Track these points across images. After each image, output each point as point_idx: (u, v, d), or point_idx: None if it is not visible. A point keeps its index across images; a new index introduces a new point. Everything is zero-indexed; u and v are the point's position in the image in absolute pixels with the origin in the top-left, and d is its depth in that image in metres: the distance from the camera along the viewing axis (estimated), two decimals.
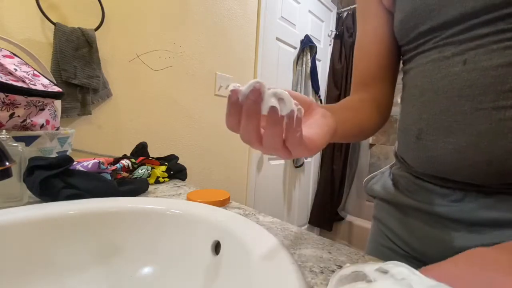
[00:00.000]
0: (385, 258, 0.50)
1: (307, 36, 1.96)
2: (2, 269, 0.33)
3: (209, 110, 1.41)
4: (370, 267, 0.18)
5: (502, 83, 0.31)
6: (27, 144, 0.51)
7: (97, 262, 0.38)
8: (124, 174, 0.60)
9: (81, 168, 0.50)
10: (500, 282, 0.18)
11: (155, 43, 1.14)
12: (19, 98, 0.51)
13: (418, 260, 0.47)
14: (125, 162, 0.61)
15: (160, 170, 0.66)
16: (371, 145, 2.43)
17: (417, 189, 0.46)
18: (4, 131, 0.45)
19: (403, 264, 0.18)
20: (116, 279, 0.38)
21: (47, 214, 0.37)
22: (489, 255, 0.22)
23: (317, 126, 0.28)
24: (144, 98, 1.14)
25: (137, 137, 1.13)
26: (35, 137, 0.53)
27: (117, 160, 0.61)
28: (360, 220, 2.39)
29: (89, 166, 0.51)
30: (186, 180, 0.71)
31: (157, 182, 0.64)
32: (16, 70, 0.54)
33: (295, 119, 0.21)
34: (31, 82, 0.54)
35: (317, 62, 2.17)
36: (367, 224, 2.25)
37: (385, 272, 0.18)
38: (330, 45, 2.33)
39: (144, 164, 0.65)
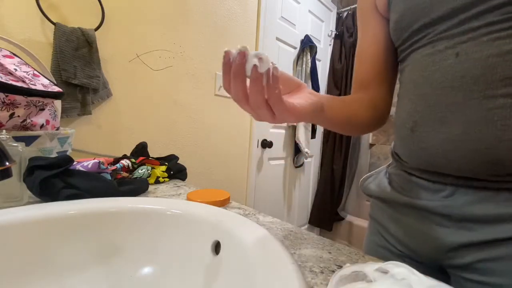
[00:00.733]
0: (380, 257, 0.51)
1: (307, 36, 1.96)
2: (2, 269, 0.32)
3: (209, 110, 1.41)
4: (370, 267, 0.18)
5: (492, 73, 0.32)
6: (27, 144, 0.51)
7: (97, 262, 0.38)
8: (124, 174, 0.60)
9: (81, 168, 0.50)
10: None
11: (155, 43, 1.14)
12: (19, 98, 0.51)
13: (412, 259, 0.47)
14: (125, 162, 0.61)
15: (160, 170, 0.66)
16: (371, 145, 2.43)
17: (411, 186, 0.47)
18: (4, 131, 0.45)
19: (403, 264, 0.18)
20: (116, 279, 0.38)
21: (47, 214, 0.37)
22: None
23: (302, 98, 0.32)
24: (144, 98, 1.14)
25: (137, 137, 1.13)
26: (35, 137, 0.53)
27: (117, 160, 0.61)
28: (360, 220, 2.39)
29: (89, 166, 0.51)
30: (186, 180, 0.71)
31: (157, 182, 0.64)
32: (16, 70, 0.54)
33: (271, 74, 0.25)
34: (31, 82, 0.54)
35: (317, 62, 2.17)
36: (367, 224, 2.24)
37: (385, 272, 0.18)
38: (330, 45, 2.33)
39: (144, 164, 0.65)
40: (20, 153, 0.43)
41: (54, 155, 0.56)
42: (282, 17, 1.79)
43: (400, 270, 0.18)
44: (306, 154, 1.99)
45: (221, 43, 1.43)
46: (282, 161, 1.98)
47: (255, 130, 1.68)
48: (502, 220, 0.36)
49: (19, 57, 0.59)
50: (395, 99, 0.53)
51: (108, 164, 0.58)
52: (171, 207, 0.42)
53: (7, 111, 0.50)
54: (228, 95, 1.64)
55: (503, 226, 0.36)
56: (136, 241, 0.40)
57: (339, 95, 2.26)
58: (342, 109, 0.45)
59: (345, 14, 2.31)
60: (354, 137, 2.42)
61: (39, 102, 0.54)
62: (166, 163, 0.69)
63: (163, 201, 0.44)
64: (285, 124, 1.96)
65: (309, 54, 1.96)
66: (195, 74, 1.32)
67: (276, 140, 1.87)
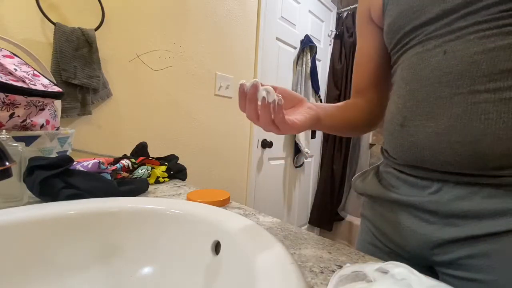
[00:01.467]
0: (370, 255, 0.51)
1: (307, 36, 1.96)
2: (2, 269, 0.33)
3: (209, 110, 1.41)
4: (370, 267, 0.19)
5: (477, 69, 0.34)
6: (27, 144, 0.51)
7: (97, 262, 0.38)
8: (124, 174, 0.60)
9: (81, 168, 0.50)
10: None
11: (155, 43, 1.14)
12: (19, 98, 0.51)
13: (401, 256, 0.48)
14: (125, 162, 0.61)
15: (160, 170, 0.66)
16: (371, 145, 2.43)
17: (399, 183, 0.48)
18: (4, 131, 0.45)
19: (403, 264, 0.18)
20: (116, 279, 0.38)
21: (47, 214, 0.37)
22: None
23: (301, 113, 0.40)
24: (144, 98, 1.14)
25: (137, 137, 1.13)
26: (35, 137, 0.53)
27: (117, 160, 0.61)
28: (360, 220, 2.39)
29: (89, 166, 0.51)
30: (186, 180, 0.71)
31: (157, 182, 0.64)
32: (16, 70, 0.54)
33: (276, 104, 0.33)
34: (31, 82, 0.54)
35: (317, 62, 2.17)
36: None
37: (385, 272, 0.18)
38: (330, 45, 2.33)
39: (144, 164, 0.65)
40: (20, 153, 0.43)
41: (54, 155, 0.56)
42: (282, 17, 1.79)
43: (400, 270, 0.18)
44: (306, 154, 1.99)
45: (221, 43, 1.43)
46: (282, 161, 1.98)
47: (255, 130, 1.68)
48: (486, 216, 0.36)
49: (19, 57, 0.59)
50: None
51: (108, 164, 0.58)
52: (171, 207, 0.42)
53: (7, 111, 0.50)
54: (228, 95, 1.63)
55: (487, 222, 0.36)
56: (136, 241, 0.40)
57: (339, 95, 2.26)
58: (339, 115, 0.52)
59: (345, 14, 2.30)
60: (354, 138, 2.43)
61: (39, 102, 0.54)
62: (166, 163, 0.69)
63: (163, 201, 0.44)
64: None
65: (309, 54, 1.96)
66: (195, 74, 1.32)
67: (276, 140, 1.87)
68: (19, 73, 0.54)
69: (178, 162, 0.74)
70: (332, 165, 2.31)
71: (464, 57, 0.35)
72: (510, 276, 0.35)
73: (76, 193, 0.43)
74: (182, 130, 1.30)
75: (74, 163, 0.50)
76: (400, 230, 0.47)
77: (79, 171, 0.48)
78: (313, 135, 2.12)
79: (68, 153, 0.61)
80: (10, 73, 0.53)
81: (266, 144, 1.76)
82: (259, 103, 0.34)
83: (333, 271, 0.30)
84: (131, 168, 0.61)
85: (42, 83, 0.57)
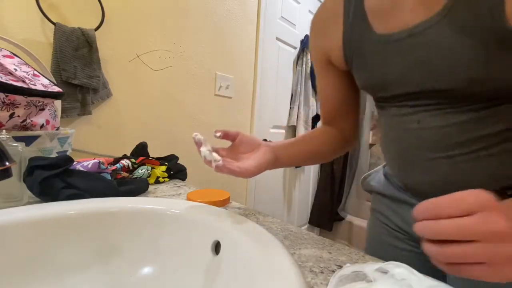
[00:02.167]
0: (383, 239, 0.57)
1: (307, 36, 1.96)
2: (2, 269, 0.33)
3: (209, 110, 1.41)
4: (370, 267, 0.18)
5: (449, 139, 0.39)
6: (27, 144, 0.51)
7: (97, 262, 0.38)
8: (124, 174, 0.60)
9: (81, 168, 0.50)
10: None
11: (155, 43, 1.14)
12: (19, 98, 0.51)
13: (414, 242, 0.53)
14: (125, 162, 0.61)
15: (160, 170, 0.66)
16: (371, 145, 2.43)
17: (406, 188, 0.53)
18: (4, 131, 0.45)
19: (403, 264, 0.18)
20: (116, 279, 0.38)
21: (47, 214, 0.37)
22: None
23: (254, 159, 0.41)
24: (144, 98, 1.14)
25: (137, 137, 1.12)
26: (35, 137, 0.53)
27: (117, 160, 0.61)
28: (360, 220, 2.39)
29: (89, 166, 0.51)
30: (186, 180, 0.71)
31: (157, 182, 0.64)
32: (16, 70, 0.54)
33: (213, 165, 0.36)
34: (31, 82, 0.54)
35: None
36: (368, 220, 2.24)
37: (385, 272, 0.18)
38: None
39: (144, 164, 0.65)
40: (20, 153, 0.43)
41: (54, 155, 0.56)
42: (282, 17, 1.79)
43: (400, 270, 0.18)
44: None
45: (221, 43, 1.43)
46: None
47: (255, 130, 1.68)
48: None
49: (19, 57, 0.59)
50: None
51: (108, 164, 0.58)
52: (171, 207, 0.42)
53: (7, 111, 0.50)
54: (228, 95, 1.63)
55: None
56: (136, 241, 0.40)
57: None
58: (304, 150, 0.53)
59: None
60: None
61: (39, 102, 0.54)
62: (166, 163, 0.69)
63: (163, 201, 0.44)
64: (285, 125, 1.96)
65: (309, 54, 1.96)
66: (195, 74, 1.32)
67: (276, 140, 1.87)
68: (19, 73, 0.54)
69: (178, 162, 0.74)
70: (332, 165, 2.31)
71: (436, 129, 0.40)
72: None
73: (76, 193, 0.43)
74: (182, 130, 1.30)
75: (74, 163, 0.50)
76: (410, 223, 0.51)
77: (79, 171, 0.48)
78: None
79: (68, 153, 0.61)
80: (10, 73, 0.53)
81: None
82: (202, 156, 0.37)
83: (333, 271, 0.30)
84: (131, 168, 0.61)
85: (42, 83, 0.57)
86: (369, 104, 2.21)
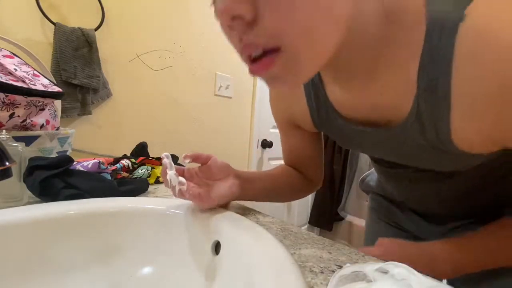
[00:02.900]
0: (381, 234, 0.60)
1: None
2: (2, 269, 0.32)
3: (209, 110, 1.41)
4: (370, 267, 0.18)
5: (439, 193, 0.47)
6: (27, 144, 0.51)
7: (97, 262, 0.38)
8: (124, 174, 0.60)
9: (81, 168, 0.50)
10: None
11: (155, 43, 1.14)
12: (19, 98, 0.51)
13: (412, 237, 0.58)
14: (125, 162, 0.61)
15: (160, 170, 0.66)
16: None
17: None
18: (4, 131, 0.45)
19: (403, 264, 0.18)
20: (116, 279, 0.38)
21: (47, 214, 0.37)
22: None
23: (219, 189, 0.41)
24: (144, 98, 1.14)
25: (137, 137, 1.12)
26: (35, 137, 0.53)
27: (117, 160, 0.61)
28: (360, 220, 2.39)
29: (89, 166, 0.51)
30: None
31: (157, 182, 0.64)
32: (16, 70, 0.54)
33: (177, 189, 0.36)
34: (31, 82, 0.54)
35: None
36: (366, 219, 2.24)
37: (385, 272, 0.18)
38: None
39: (144, 164, 0.65)
40: (20, 153, 0.43)
41: (54, 155, 0.56)
42: None
43: (400, 270, 0.18)
44: None
45: (221, 43, 1.42)
46: (282, 161, 1.98)
47: (255, 130, 1.68)
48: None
49: (19, 57, 0.59)
50: None
51: (108, 164, 0.58)
52: (171, 207, 0.42)
53: (7, 111, 0.50)
54: (228, 95, 1.63)
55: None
56: (136, 241, 0.40)
57: None
58: (270, 187, 0.53)
59: None
60: None
61: (39, 102, 0.54)
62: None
63: (163, 201, 0.44)
64: None
65: None
66: (195, 74, 1.32)
67: (276, 140, 1.87)
68: (19, 73, 0.54)
69: (178, 162, 0.74)
70: (332, 165, 2.31)
71: (425, 188, 0.47)
72: None
73: (76, 193, 0.43)
74: (182, 130, 1.30)
75: (74, 163, 0.50)
76: (409, 220, 0.56)
77: (79, 171, 0.48)
78: None
79: (68, 153, 0.61)
80: (10, 73, 0.53)
81: (266, 144, 1.76)
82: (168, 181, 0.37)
83: (333, 271, 0.30)
84: (131, 168, 0.61)
85: (42, 83, 0.57)
86: None
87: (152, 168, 0.65)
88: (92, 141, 0.99)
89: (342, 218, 2.40)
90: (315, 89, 0.41)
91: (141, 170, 0.62)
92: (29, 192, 0.44)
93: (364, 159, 2.46)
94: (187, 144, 1.33)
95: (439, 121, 0.29)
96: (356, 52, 0.29)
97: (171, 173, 0.36)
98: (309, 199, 2.37)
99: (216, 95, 1.43)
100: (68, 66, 0.88)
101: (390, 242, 0.41)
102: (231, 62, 1.49)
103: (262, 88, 1.70)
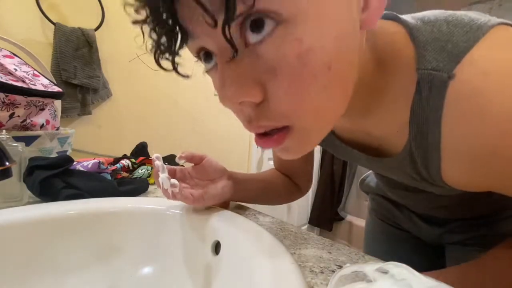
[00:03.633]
0: (381, 232, 0.63)
1: None
2: (2, 269, 0.33)
3: (209, 110, 1.41)
4: (370, 267, 0.18)
5: (434, 201, 0.47)
6: (27, 144, 0.51)
7: (97, 262, 0.38)
8: (124, 174, 0.60)
9: (81, 168, 0.50)
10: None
11: None
12: (19, 98, 0.51)
13: (413, 237, 0.59)
14: (125, 162, 0.61)
15: None
16: None
17: None
18: (4, 131, 0.45)
19: (403, 264, 0.18)
20: (116, 279, 0.38)
21: (47, 214, 0.37)
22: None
23: (210, 190, 0.40)
24: (144, 98, 1.14)
25: (137, 137, 1.12)
26: (35, 137, 0.53)
27: (117, 160, 0.61)
28: (360, 220, 2.39)
29: (89, 166, 0.51)
30: None
31: None
32: (16, 70, 0.54)
33: (170, 191, 0.35)
34: (31, 82, 0.54)
35: None
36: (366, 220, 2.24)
37: (385, 272, 0.18)
38: None
39: (144, 164, 0.65)
40: (20, 153, 0.43)
41: (54, 155, 0.56)
42: None
43: (400, 270, 0.18)
44: None
45: None
46: None
47: None
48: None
49: (19, 57, 0.59)
50: None
51: (108, 164, 0.58)
52: (171, 207, 0.42)
53: (7, 111, 0.50)
54: None
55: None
56: (136, 241, 0.40)
57: None
58: (262, 191, 0.52)
59: None
60: None
61: (39, 102, 0.54)
62: (166, 163, 0.69)
63: (163, 201, 0.44)
64: None
65: None
66: (195, 74, 1.32)
67: None
68: (19, 73, 0.54)
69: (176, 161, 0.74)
70: (332, 165, 2.31)
71: (420, 199, 0.49)
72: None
73: (76, 193, 0.43)
74: (182, 130, 1.30)
75: (74, 163, 0.50)
76: (408, 221, 0.57)
77: (79, 171, 0.48)
78: None
79: (68, 153, 0.61)
80: (10, 73, 0.53)
81: None
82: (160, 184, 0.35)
83: (333, 271, 0.30)
84: (131, 168, 0.61)
85: (42, 83, 0.57)
86: None
87: (152, 168, 0.65)
88: (92, 141, 0.99)
89: (342, 218, 2.40)
90: None
91: (141, 170, 0.62)
92: (29, 192, 0.44)
93: None
94: (187, 144, 1.33)
95: (430, 163, 0.30)
96: (353, 97, 0.29)
97: (163, 176, 0.35)
98: (309, 199, 2.37)
99: (216, 95, 1.43)
100: (68, 66, 0.88)
101: None
102: None
103: None
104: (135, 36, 0.26)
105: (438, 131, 0.27)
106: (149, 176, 0.63)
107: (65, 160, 0.45)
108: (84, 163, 0.51)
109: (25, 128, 0.54)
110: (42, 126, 0.56)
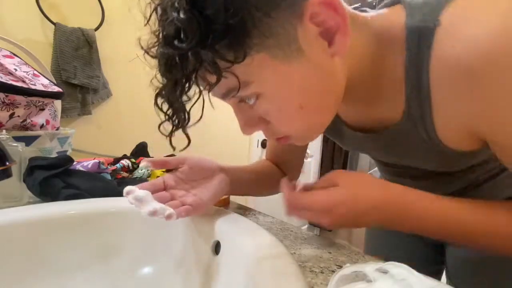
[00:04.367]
0: (380, 231, 0.62)
1: None
2: (2, 269, 0.33)
3: (209, 110, 1.40)
4: (370, 267, 0.19)
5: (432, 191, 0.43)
6: (27, 144, 0.51)
7: (97, 262, 0.38)
8: (124, 174, 0.60)
9: (81, 168, 0.50)
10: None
11: None
12: (19, 98, 0.51)
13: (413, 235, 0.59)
14: (125, 162, 0.61)
15: (161, 170, 0.66)
16: None
17: None
18: (4, 131, 0.45)
19: (403, 264, 0.18)
20: (116, 279, 0.38)
21: (47, 214, 0.37)
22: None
23: (209, 190, 0.38)
24: (144, 98, 1.14)
25: (137, 137, 1.12)
26: (35, 137, 0.53)
27: (117, 160, 0.61)
28: None
29: (89, 166, 0.51)
30: None
31: None
32: (16, 70, 0.54)
33: (166, 214, 0.32)
34: (31, 82, 0.54)
35: None
36: None
37: (385, 272, 0.18)
38: None
39: None
40: (20, 153, 0.43)
41: (54, 155, 0.56)
42: None
43: (400, 270, 0.18)
44: (306, 154, 1.98)
45: None
46: None
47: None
48: None
49: (19, 57, 0.59)
50: None
51: (108, 164, 0.58)
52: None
53: (7, 111, 0.50)
54: None
55: None
56: (136, 241, 0.40)
57: None
58: (256, 182, 0.52)
59: None
60: None
61: (39, 102, 0.54)
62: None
63: None
64: None
65: None
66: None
67: None
68: (19, 73, 0.54)
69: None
70: (332, 165, 2.31)
71: (426, 184, 0.45)
72: None
73: (76, 193, 0.43)
74: (182, 130, 1.30)
75: (74, 163, 0.50)
76: None
77: (79, 171, 0.48)
78: None
79: (68, 153, 0.61)
80: (10, 73, 0.53)
81: (266, 144, 1.76)
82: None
83: (333, 271, 0.30)
84: (131, 168, 0.61)
85: (42, 83, 0.57)
86: None
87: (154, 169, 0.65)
88: (92, 141, 0.99)
89: None
90: None
91: (141, 170, 0.62)
92: (29, 192, 0.44)
93: (364, 160, 2.46)
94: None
95: (425, 118, 0.31)
96: (358, 78, 0.33)
97: (145, 211, 0.30)
98: None
99: None
100: (68, 66, 0.88)
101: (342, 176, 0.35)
102: None
103: None
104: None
105: (427, 81, 0.28)
106: (149, 176, 0.63)
107: (65, 160, 0.45)
108: (84, 163, 0.51)
109: (25, 128, 0.54)
110: (42, 126, 0.56)
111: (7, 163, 0.30)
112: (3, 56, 0.56)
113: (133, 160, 0.63)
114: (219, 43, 0.24)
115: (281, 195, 0.43)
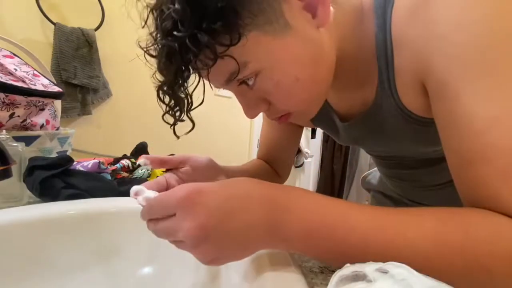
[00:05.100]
0: None
1: None
2: (2, 269, 0.33)
3: (209, 110, 1.41)
4: (370, 267, 0.18)
5: (426, 181, 0.50)
6: (27, 144, 0.51)
7: (97, 262, 0.38)
8: (124, 174, 0.60)
9: (81, 168, 0.50)
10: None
11: None
12: (19, 98, 0.51)
13: None
14: (125, 162, 0.61)
15: (160, 170, 0.66)
16: None
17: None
18: (4, 131, 0.45)
19: (403, 264, 0.18)
20: (116, 279, 0.38)
21: (47, 214, 0.37)
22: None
23: None
24: (144, 98, 1.14)
25: (137, 137, 1.12)
26: (35, 137, 0.53)
27: (117, 160, 0.61)
28: None
29: (89, 166, 0.51)
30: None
31: None
32: (16, 70, 0.54)
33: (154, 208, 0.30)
34: (31, 82, 0.54)
35: None
36: None
37: (385, 272, 0.18)
38: None
39: None
40: (20, 153, 0.43)
41: (54, 155, 0.56)
42: None
43: (400, 270, 0.18)
44: (306, 154, 1.98)
45: None
46: None
47: (255, 130, 1.68)
48: None
49: (19, 57, 0.59)
50: None
51: (108, 164, 0.58)
52: None
53: (7, 111, 0.50)
54: (228, 95, 1.63)
55: None
56: (136, 241, 0.40)
57: None
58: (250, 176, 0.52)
59: None
60: None
61: (39, 102, 0.54)
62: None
63: None
64: None
65: None
66: (195, 74, 1.32)
67: None
68: (19, 73, 0.54)
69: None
70: (332, 165, 2.31)
71: (416, 176, 0.50)
72: None
73: (76, 193, 0.43)
74: (182, 130, 1.30)
75: (74, 163, 0.50)
76: None
77: (79, 171, 0.48)
78: (313, 135, 2.11)
79: (68, 153, 0.61)
80: (10, 73, 0.53)
81: None
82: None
83: (333, 271, 0.30)
84: (131, 168, 0.61)
85: (42, 83, 0.57)
86: None
87: (152, 168, 0.65)
88: (92, 141, 0.99)
89: None
90: None
91: (141, 170, 0.62)
92: (29, 192, 0.44)
93: (364, 159, 2.46)
94: (187, 144, 1.33)
95: (390, 82, 0.32)
96: (348, 61, 0.34)
97: (140, 199, 0.30)
98: None
99: (216, 95, 1.43)
100: (68, 66, 0.88)
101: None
102: None
103: None
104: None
105: (390, 38, 0.30)
106: (149, 176, 0.63)
107: (65, 160, 0.45)
108: (84, 163, 0.51)
109: (25, 128, 0.54)
110: (42, 126, 0.56)
111: (7, 163, 0.30)
112: (3, 56, 0.56)
113: (133, 160, 0.63)
114: (214, 25, 0.25)
115: None
